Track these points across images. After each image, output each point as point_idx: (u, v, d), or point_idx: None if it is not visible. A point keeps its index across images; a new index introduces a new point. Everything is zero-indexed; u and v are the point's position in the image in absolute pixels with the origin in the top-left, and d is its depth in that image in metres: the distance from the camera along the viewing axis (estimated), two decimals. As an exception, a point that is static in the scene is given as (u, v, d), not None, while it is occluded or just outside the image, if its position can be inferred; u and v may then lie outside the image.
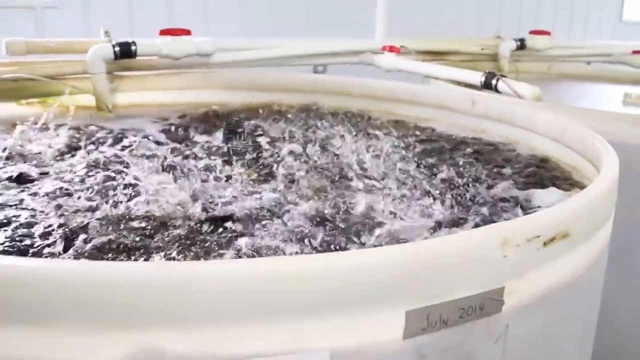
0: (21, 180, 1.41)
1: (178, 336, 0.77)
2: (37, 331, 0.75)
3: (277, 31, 3.81)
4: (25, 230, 1.11)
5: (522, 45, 3.44)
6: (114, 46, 2.17)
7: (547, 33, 3.53)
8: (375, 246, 1.03)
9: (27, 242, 1.06)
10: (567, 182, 1.56)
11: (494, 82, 2.32)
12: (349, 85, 2.50)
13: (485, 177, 1.54)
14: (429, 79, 2.78)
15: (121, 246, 1.05)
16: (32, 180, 1.41)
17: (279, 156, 1.64)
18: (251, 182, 1.45)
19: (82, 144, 1.69)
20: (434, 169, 1.58)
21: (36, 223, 1.14)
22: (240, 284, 0.78)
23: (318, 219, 1.19)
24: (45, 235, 1.09)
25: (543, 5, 5.41)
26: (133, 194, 1.30)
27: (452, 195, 1.37)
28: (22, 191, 1.32)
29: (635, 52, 3.36)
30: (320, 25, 4.15)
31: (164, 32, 2.30)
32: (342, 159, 1.64)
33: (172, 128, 1.96)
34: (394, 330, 0.84)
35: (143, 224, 1.15)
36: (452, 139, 1.99)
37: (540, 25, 4.17)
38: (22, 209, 1.22)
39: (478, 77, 2.39)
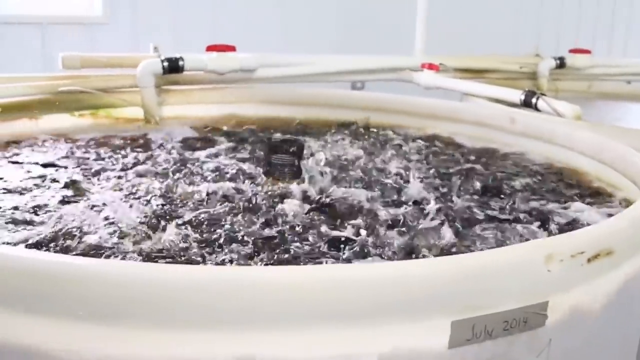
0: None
1: (237, 339, 0.81)
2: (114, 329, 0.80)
3: (315, 47, 3.87)
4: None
5: (561, 63, 3.43)
6: (162, 61, 2.25)
7: (588, 52, 3.52)
8: (424, 257, 1.07)
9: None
10: (607, 200, 1.57)
11: (534, 100, 2.33)
12: (387, 102, 2.54)
13: (526, 192, 1.57)
14: (467, 96, 2.81)
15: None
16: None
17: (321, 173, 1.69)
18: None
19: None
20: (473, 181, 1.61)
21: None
22: (296, 291, 0.82)
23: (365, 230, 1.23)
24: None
25: (583, 23, 5.39)
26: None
27: (493, 208, 1.40)
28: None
29: (677, 71, 3.34)
30: (357, 42, 4.21)
31: (211, 48, 2.37)
32: (384, 173, 1.68)
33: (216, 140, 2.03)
34: (440, 340, 0.87)
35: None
36: (491, 153, 2.02)
37: (579, 43, 4.14)
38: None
39: (518, 95, 2.40)
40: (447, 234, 1.18)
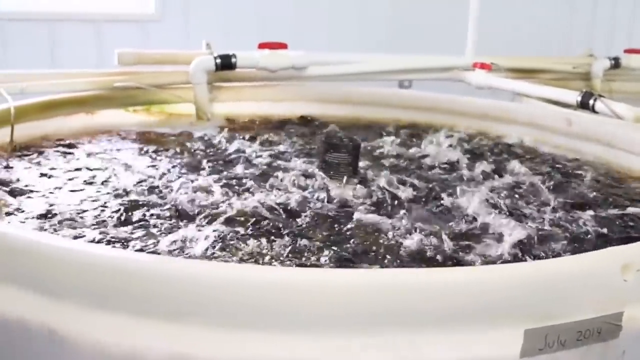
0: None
1: (302, 341, 0.81)
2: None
3: (364, 46, 3.85)
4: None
5: (616, 64, 3.33)
6: (215, 58, 2.27)
7: (644, 52, 3.41)
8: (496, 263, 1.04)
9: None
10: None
11: (591, 102, 2.26)
12: (438, 102, 2.51)
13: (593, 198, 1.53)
14: (519, 97, 2.75)
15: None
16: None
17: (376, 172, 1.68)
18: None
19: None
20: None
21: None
22: (360, 293, 0.81)
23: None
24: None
25: (637, 22, 5.23)
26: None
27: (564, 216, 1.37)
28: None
29: None
30: (405, 41, 4.17)
31: (263, 46, 2.38)
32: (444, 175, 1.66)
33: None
34: (512, 349, 0.85)
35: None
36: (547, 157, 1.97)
37: (632, 43, 4.02)
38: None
39: (574, 97, 2.34)
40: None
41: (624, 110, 2.20)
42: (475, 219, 1.31)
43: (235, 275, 0.79)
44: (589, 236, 1.25)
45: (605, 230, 1.28)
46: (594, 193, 1.57)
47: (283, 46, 2.42)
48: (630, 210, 1.43)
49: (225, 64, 2.28)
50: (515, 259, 1.06)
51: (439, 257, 1.11)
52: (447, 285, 0.82)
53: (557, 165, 1.88)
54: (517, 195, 1.52)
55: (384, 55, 2.91)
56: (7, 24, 3.35)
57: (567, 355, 0.88)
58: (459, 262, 1.06)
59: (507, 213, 1.35)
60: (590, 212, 1.40)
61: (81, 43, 3.37)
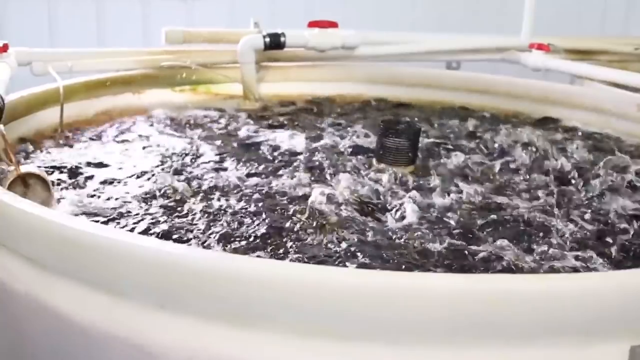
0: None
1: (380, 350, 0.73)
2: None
3: (413, 24, 3.73)
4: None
5: (682, 45, 3.15)
6: (264, 37, 2.19)
7: None
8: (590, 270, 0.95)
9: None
10: None
11: (661, 86, 2.12)
12: (496, 84, 2.40)
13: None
14: (580, 79, 2.61)
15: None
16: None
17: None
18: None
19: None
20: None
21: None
22: (438, 300, 0.73)
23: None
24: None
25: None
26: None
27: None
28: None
29: None
30: (455, 20, 4.02)
31: (312, 24, 2.29)
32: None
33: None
34: (615, 366, 0.76)
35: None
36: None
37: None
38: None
39: (643, 80, 2.19)
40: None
41: (699, 95, 2.07)
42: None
43: (316, 277, 0.72)
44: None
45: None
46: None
47: (333, 25, 2.33)
48: None
49: (275, 42, 2.20)
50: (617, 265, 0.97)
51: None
52: (542, 294, 0.74)
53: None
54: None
55: (435, 34, 2.79)
56: (55, 1, 3.32)
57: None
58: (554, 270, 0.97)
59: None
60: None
61: (128, 21, 3.32)
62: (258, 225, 1.11)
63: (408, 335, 0.72)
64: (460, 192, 1.34)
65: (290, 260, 0.97)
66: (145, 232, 1.06)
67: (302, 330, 0.73)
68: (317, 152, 1.61)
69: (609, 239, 1.11)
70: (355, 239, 1.06)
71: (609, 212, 1.26)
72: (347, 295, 0.70)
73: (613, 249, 1.07)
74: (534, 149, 1.69)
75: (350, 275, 0.74)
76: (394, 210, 1.22)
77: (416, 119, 2.01)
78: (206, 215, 1.15)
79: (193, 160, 1.51)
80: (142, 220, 1.11)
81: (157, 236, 1.03)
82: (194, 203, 1.20)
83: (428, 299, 0.70)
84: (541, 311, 0.73)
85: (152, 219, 1.12)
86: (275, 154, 1.59)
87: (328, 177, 1.42)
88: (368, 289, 0.70)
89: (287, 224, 1.12)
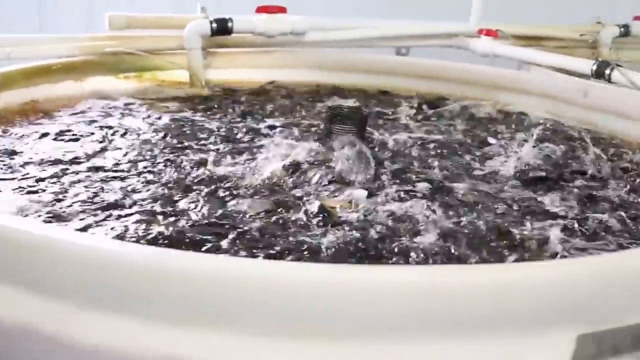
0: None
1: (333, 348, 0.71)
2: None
3: (362, 10, 3.70)
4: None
5: (626, 32, 3.22)
6: (211, 22, 2.14)
7: (654, 19, 3.30)
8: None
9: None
10: None
11: (607, 71, 2.15)
12: (445, 70, 2.40)
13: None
14: (528, 65, 2.64)
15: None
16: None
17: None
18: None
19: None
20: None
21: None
22: (386, 295, 0.71)
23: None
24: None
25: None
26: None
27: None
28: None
29: None
30: (405, 6, 4.02)
31: (261, 10, 2.24)
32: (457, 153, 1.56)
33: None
34: (561, 356, 0.76)
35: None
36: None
37: (637, 10, 3.90)
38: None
39: (588, 66, 2.22)
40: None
41: (643, 80, 2.11)
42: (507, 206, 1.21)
43: (262, 272, 0.69)
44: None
45: None
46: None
47: (282, 10, 2.29)
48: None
49: (221, 28, 2.15)
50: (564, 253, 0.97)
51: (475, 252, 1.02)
52: (486, 286, 0.73)
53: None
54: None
55: (384, 21, 2.77)
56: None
57: (619, 362, 0.79)
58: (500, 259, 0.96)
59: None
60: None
61: (70, 6, 3.20)
62: (202, 215, 1.07)
63: (349, 333, 0.70)
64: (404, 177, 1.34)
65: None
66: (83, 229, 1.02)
67: (253, 329, 0.70)
68: (259, 139, 1.58)
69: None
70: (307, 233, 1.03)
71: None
72: (294, 290, 0.68)
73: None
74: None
75: (291, 269, 0.71)
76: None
77: (357, 103, 1.99)
78: (129, 204, 1.11)
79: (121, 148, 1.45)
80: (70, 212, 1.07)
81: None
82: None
83: (379, 293, 0.69)
84: (486, 302, 0.72)
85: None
86: (219, 140, 1.56)
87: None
88: (314, 284, 0.68)
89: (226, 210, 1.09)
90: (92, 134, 1.54)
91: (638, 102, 1.85)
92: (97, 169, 1.29)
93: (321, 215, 1.09)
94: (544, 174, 1.40)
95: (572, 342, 0.75)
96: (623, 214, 1.18)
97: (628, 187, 1.36)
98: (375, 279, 0.71)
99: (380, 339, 0.69)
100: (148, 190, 1.18)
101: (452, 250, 1.00)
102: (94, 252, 0.72)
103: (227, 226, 1.04)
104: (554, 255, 0.99)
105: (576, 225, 1.10)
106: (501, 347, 0.74)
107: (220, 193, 1.19)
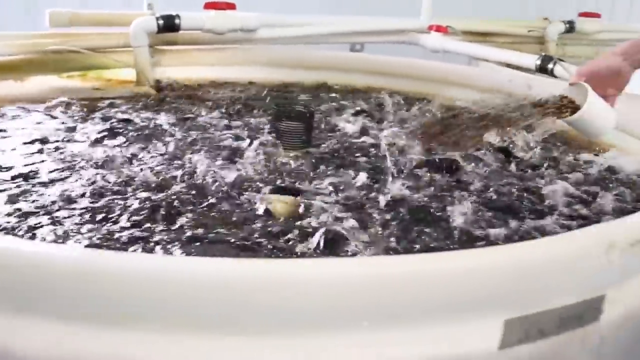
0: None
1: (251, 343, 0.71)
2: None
3: (314, 7, 3.71)
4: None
5: (570, 28, 3.30)
6: (157, 19, 2.10)
7: (597, 15, 3.39)
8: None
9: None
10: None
11: (550, 65, 2.20)
12: (396, 65, 2.41)
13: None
14: (476, 61, 2.68)
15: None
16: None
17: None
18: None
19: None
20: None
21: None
22: (319, 287, 0.71)
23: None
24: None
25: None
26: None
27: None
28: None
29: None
30: (359, 3, 4.03)
31: (209, 6, 2.22)
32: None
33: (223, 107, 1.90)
34: (490, 340, 0.77)
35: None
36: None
37: (583, 7, 4.00)
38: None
39: (533, 60, 2.28)
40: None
41: (583, 74, 2.15)
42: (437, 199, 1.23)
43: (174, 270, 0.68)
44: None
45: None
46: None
47: (231, 6, 2.27)
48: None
49: (168, 25, 2.12)
50: (487, 241, 0.99)
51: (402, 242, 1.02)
52: (417, 276, 0.73)
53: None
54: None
55: (337, 17, 2.78)
56: None
57: (547, 344, 0.81)
58: (427, 249, 0.97)
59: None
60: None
61: (9, 2, 3.11)
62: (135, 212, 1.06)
63: (274, 325, 0.70)
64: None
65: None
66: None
67: (169, 327, 0.69)
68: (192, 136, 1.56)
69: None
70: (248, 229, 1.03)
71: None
72: (201, 287, 0.67)
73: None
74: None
75: (201, 264, 0.70)
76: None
77: (305, 101, 1.99)
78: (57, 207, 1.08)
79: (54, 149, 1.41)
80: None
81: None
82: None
83: (302, 286, 0.69)
84: (412, 292, 0.72)
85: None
86: (169, 139, 1.53)
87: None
88: (225, 281, 0.67)
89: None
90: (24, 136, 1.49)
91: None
92: (19, 175, 1.24)
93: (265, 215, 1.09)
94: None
95: (499, 327, 0.77)
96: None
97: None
98: (299, 271, 0.71)
99: (303, 331, 0.69)
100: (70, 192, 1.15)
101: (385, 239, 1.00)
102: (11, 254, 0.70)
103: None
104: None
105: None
106: (430, 335, 0.74)
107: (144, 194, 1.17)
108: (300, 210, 1.11)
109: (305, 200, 1.15)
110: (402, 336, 0.73)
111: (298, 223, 1.06)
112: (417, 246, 1.01)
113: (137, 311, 0.66)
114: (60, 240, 0.95)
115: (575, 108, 1.24)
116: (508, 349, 0.78)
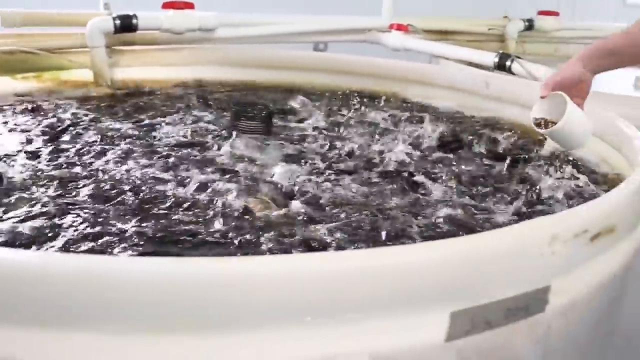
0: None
1: (193, 341, 0.70)
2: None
3: (275, 6, 3.70)
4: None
5: (530, 26, 3.36)
6: (114, 19, 2.08)
7: (556, 14, 3.45)
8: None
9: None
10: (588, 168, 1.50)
11: (508, 63, 2.24)
12: (356, 64, 2.42)
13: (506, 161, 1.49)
14: (437, 59, 2.70)
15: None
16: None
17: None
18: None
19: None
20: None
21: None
22: (264, 283, 0.70)
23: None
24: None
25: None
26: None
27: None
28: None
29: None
30: (321, 2, 4.04)
31: (167, 5, 2.20)
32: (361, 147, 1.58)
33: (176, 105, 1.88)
34: (437, 333, 0.77)
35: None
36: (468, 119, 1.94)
37: (544, 5, 4.07)
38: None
39: (491, 58, 2.31)
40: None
41: (539, 71, 2.19)
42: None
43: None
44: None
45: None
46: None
47: (190, 6, 2.25)
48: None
49: (125, 25, 2.09)
50: (436, 234, 1.00)
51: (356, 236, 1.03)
52: (365, 270, 0.73)
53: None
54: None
55: (298, 16, 2.78)
56: None
57: (494, 335, 0.82)
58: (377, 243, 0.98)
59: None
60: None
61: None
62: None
63: (217, 324, 0.69)
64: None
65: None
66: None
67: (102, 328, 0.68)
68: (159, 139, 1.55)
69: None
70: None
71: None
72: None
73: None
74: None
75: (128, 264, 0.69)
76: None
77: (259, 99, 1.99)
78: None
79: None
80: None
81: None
82: None
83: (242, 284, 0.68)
84: (357, 287, 0.73)
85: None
86: (123, 142, 1.52)
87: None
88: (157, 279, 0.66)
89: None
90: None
91: (531, 91, 1.91)
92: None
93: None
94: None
95: (446, 319, 0.77)
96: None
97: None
98: (244, 268, 0.71)
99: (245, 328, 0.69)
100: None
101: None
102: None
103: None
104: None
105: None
106: (376, 329, 0.75)
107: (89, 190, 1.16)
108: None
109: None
110: (347, 331, 0.73)
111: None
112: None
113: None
114: None
115: (549, 121, 1.23)
116: (455, 341, 0.79)
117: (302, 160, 1.40)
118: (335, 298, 0.72)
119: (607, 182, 1.42)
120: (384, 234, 1.04)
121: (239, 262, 0.72)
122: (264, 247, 0.97)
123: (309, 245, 0.97)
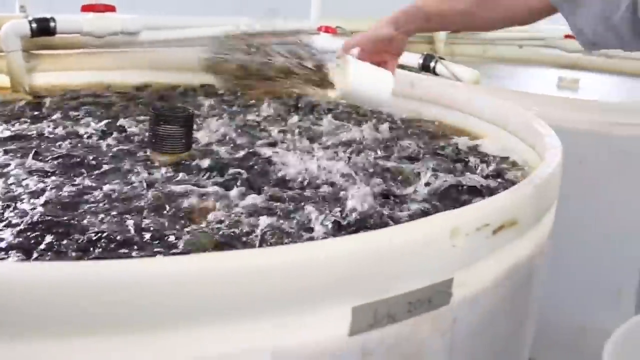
0: None
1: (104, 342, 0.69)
2: None
3: (205, 9, 3.67)
4: None
5: (456, 28, 3.43)
6: (30, 22, 2.01)
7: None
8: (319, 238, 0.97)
9: None
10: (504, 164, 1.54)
11: (432, 64, 2.28)
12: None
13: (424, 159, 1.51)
14: (365, 61, 2.73)
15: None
16: None
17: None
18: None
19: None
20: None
21: None
22: (164, 282, 0.69)
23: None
24: None
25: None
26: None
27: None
28: None
29: (567, 36, 3.40)
30: (252, 4, 4.03)
31: (86, 8, 2.15)
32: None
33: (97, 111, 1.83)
34: (339, 328, 0.78)
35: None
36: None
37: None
38: None
39: (416, 59, 2.35)
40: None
41: (463, 72, 2.25)
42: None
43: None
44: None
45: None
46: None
47: (111, 9, 2.20)
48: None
49: (43, 28, 2.02)
50: (339, 229, 1.00)
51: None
52: (264, 267, 0.73)
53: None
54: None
55: (225, 18, 2.76)
56: None
57: (398, 328, 0.83)
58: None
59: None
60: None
61: None
62: None
63: (123, 323, 0.68)
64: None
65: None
66: None
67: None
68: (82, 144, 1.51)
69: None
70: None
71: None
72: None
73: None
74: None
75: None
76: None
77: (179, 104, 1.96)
78: None
79: None
80: None
81: None
82: None
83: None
84: (263, 283, 0.72)
85: None
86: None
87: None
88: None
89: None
90: None
91: (454, 92, 1.96)
92: None
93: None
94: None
95: (348, 314, 0.78)
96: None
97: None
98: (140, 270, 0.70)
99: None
100: None
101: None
102: None
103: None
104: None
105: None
106: (277, 325, 0.75)
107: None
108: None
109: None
110: (247, 328, 0.73)
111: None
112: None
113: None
114: None
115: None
116: (358, 335, 0.80)
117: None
118: (235, 296, 0.72)
119: (521, 179, 1.46)
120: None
121: (131, 263, 0.70)
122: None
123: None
